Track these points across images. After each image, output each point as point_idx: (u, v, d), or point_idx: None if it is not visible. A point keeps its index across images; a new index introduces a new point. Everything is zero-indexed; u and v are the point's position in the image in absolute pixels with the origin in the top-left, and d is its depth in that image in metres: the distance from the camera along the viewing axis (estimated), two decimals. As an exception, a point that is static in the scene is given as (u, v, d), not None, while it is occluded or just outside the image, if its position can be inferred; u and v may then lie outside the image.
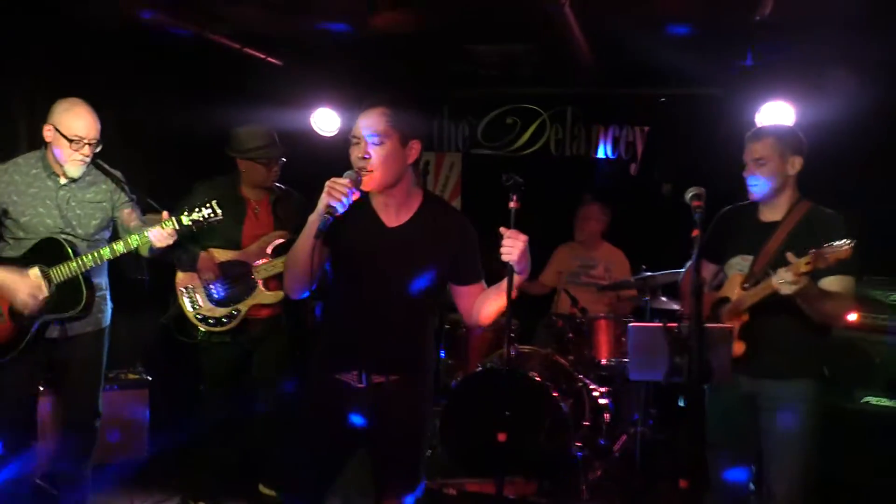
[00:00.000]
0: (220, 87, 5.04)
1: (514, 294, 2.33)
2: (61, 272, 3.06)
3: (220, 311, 3.65)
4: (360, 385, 2.43)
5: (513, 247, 2.25)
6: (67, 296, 3.09)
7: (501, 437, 2.25)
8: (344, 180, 2.28)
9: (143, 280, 4.01)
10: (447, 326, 4.84)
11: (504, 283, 2.33)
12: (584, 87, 5.49)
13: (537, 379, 4.04)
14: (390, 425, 2.45)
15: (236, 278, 3.67)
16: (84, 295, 3.09)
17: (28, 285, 3.00)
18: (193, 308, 3.63)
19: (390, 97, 2.38)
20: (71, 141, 3.06)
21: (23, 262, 3.07)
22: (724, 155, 3.38)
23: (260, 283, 3.67)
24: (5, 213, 3.11)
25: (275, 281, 3.68)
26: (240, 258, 3.67)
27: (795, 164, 2.84)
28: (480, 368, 4.30)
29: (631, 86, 5.39)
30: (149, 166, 4.43)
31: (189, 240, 3.47)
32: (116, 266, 3.95)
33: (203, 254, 3.60)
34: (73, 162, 3.10)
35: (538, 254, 5.18)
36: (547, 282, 5.36)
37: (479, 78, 5.52)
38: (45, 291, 3.04)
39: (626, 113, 5.65)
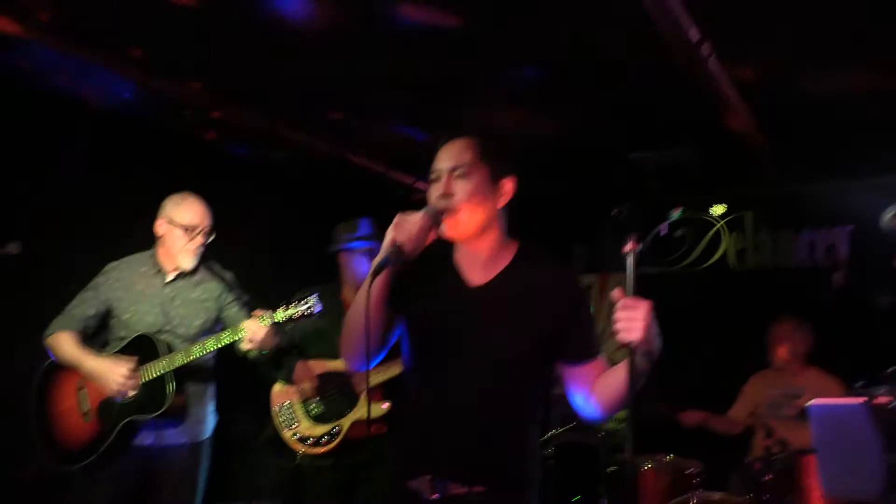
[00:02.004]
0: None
1: (637, 382, 1.68)
2: (151, 371, 2.87)
3: (320, 430, 3.27)
4: (433, 496, 1.83)
5: (632, 320, 1.64)
6: (153, 397, 2.86)
7: None
8: (417, 215, 1.83)
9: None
10: (612, 468, 4.06)
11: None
12: (765, 186, 4.76)
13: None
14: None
15: (336, 391, 3.31)
16: (168, 397, 2.84)
17: (120, 369, 2.84)
18: (290, 427, 3.28)
19: (478, 129, 1.96)
20: (185, 229, 2.99)
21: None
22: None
23: (362, 394, 3.28)
24: (110, 311, 3.02)
25: (379, 390, 3.26)
26: (339, 369, 3.31)
27: None
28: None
29: (823, 179, 4.58)
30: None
31: (284, 350, 3.21)
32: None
33: (299, 364, 3.29)
34: (185, 252, 3.01)
35: (725, 387, 4.43)
36: (738, 418, 4.41)
37: (643, 188, 5.00)
38: (136, 382, 2.87)
39: (821, 212, 4.78)
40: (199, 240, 3.02)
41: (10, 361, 3.34)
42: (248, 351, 2.94)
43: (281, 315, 2.80)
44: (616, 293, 1.72)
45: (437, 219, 1.85)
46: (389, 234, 1.79)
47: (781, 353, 4.31)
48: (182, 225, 2.99)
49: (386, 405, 3.27)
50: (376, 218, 4.55)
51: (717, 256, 5.08)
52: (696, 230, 5.16)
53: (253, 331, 2.79)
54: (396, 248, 1.76)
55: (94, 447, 2.84)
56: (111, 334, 3.04)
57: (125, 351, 2.93)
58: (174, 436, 2.96)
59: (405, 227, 1.78)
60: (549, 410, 5.18)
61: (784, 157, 4.28)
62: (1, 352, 3.40)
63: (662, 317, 1.68)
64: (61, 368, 2.97)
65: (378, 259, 1.78)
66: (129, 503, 2.95)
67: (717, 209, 5.09)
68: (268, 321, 2.80)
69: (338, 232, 3.53)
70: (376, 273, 1.77)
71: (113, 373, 2.84)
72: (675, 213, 5.18)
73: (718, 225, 5.09)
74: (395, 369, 3.12)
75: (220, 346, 2.85)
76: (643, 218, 1.72)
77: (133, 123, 4.05)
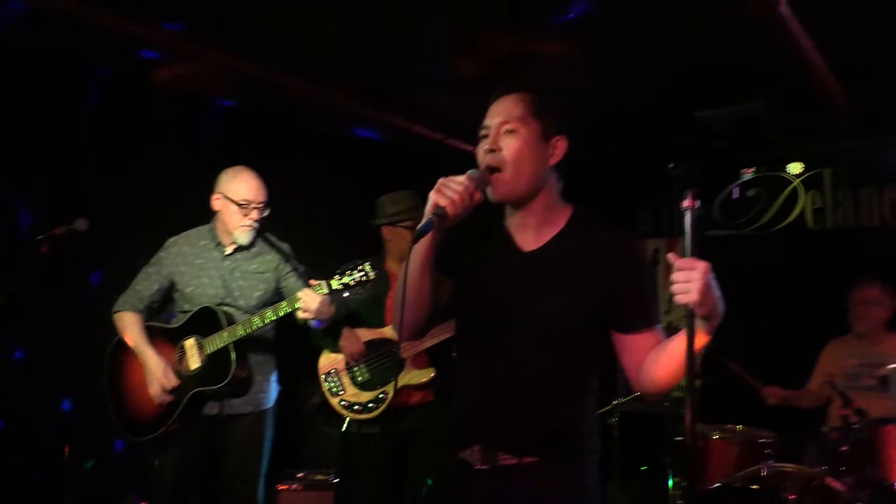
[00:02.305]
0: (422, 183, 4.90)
1: (697, 349, 1.58)
2: (214, 342, 2.92)
3: (366, 396, 3.28)
4: (481, 466, 1.78)
5: (688, 281, 1.53)
6: (216, 369, 2.91)
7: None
8: (461, 177, 1.72)
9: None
10: (679, 438, 3.95)
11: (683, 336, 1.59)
12: (845, 140, 4.47)
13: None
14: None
15: (382, 358, 3.32)
16: (232, 368, 2.88)
17: (166, 381, 2.92)
18: (337, 394, 3.31)
19: (531, 83, 1.86)
20: (240, 205, 3.00)
21: (180, 333, 3.00)
22: None
23: (408, 360, 3.29)
24: (173, 285, 3.07)
25: (424, 356, 3.27)
26: (385, 336, 3.34)
27: None
28: (717, 485, 3.33)
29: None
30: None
31: (337, 320, 3.23)
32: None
33: (346, 331, 3.31)
34: (241, 228, 3.03)
35: (803, 355, 4.23)
36: (818, 389, 4.20)
37: (711, 147, 4.78)
38: (180, 379, 2.95)
39: (906, 166, 4.49)
40: (254, 215, 3.02)
41: (79, 336, 3.46)
42: (306, 321, 2.96)
43: (336, 283, 2.78)
44: (671, 256, 1.62)
45: (482, 181, 1.75)
46: (431, 198, 1.70)
47: (861, 317, 4.08)
48: (236, 200, 3.00)
49: (430, 370, 3.28)
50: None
51: (793, 217, 4.82)
52: (770, 189, 4.91)
53: (307, 301, 2.79)
54: (438, 213, 1.67)
55: (163, 419, 2.92)
56: (176, 307, 3.10)
57: (189, 324, 2.99)
58: (238, 406, 3.01)
59: (448, 191, 1.69)
60: (614, 379, 5.07)
61: (865, 108, 4.00)
62: (72, 327, 3.51)
63: (734, 281, 1.58)
64: None
65: (420, 224, 1.70)
66: (199, 470, 3.04)
67: (794, 167, 4.82)
68: (324, 290, 2.79)
69: (381, 204, 3.50)
70: (417, 238, 1.68)
71: (159, 381, 2.92)
72: (747, 175, 4.95)
73: (795, 183, 4.83)
74: (443, 334, 3.11)
75: (278, 316, 2.88)
76: (702, 172, 1.61)
77: (194, 98, 4.09)
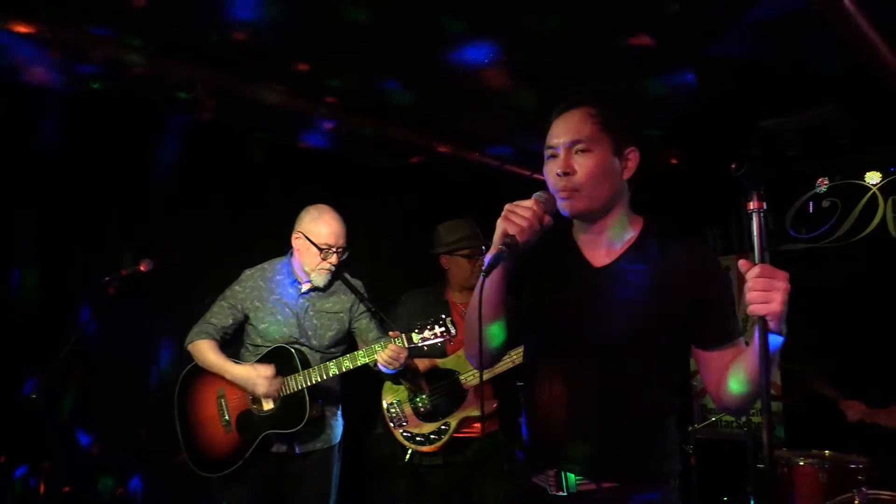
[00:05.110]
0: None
1: (772, 365, 1.46)
2: (289, 386, 2.88)
3: (428, 427, 3.22)
4: (557, 492, 1.69)
5: (768, 290, 1.41)
6: (291, 412, 2.88)
7: None
8: (528, 202, 1.63)
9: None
10: (759, 465, 3.72)
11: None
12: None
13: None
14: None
15: (444, 388, 3.26)
16: (307, 412, 2.86)
17: (264, 373, 2.86)
18: (400, 425, 3.25)
19: (595, 93, 1.78)
20: (321, 249, 2.97)
21: None
22: None
23: (470, 391, 3.22)
24: (247, 318, 3.05)
25: (487, 387, 3.20)
26: (447, 366, 3.28)
27: None
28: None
29: None
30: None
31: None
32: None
33: (408, 362, 3.23)
34: (319, 271, 3.00)
35: (888, 373, 3.95)
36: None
37: (781, 157, 4.56)
38: (280, 384, 2.89)
39: None
40: (334, 259, 2.98)
41: (147, 372, 3.50)
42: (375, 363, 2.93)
43: (417, 338, 2.78)
44: (743, 263, 1.49)
45: (549, 203, 1.66)
46: (500, 227, 1.61)
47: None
48: (317, 244, 2.96)
49: (495, 404, 3.21)
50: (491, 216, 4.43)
51: (873, 226, 4.54)
52: (847, 199, 4.65)
53: (388, 355, 2.78)
54: (508, 242, 1.58)
55: (235, 458, 2.88)
56: (246, 338, 3.07)
57: (264, 361, 2.95)
58: (307, 444, 2.97)
59: (516, 217, 1.60)
60: (689, 404, 4.85)
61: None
62: (138, 364, 3.56)
63: (815, 296, 1.45)
64: (199, 376, 3.02)
65: (490, 254, 1.60)
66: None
67: (872, 174, 4.56)
68: (402, 343, 2.78)
69: (438, 233, 3.48)
70: (489, 271, 1.58)
71: (258, 377, 2.86)
72: (822, 188, 4.70)
73: (873, 190, 4.56)
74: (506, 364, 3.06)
75: (355, 366, 2.84)
76: (767, 172, 1.50)
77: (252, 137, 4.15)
